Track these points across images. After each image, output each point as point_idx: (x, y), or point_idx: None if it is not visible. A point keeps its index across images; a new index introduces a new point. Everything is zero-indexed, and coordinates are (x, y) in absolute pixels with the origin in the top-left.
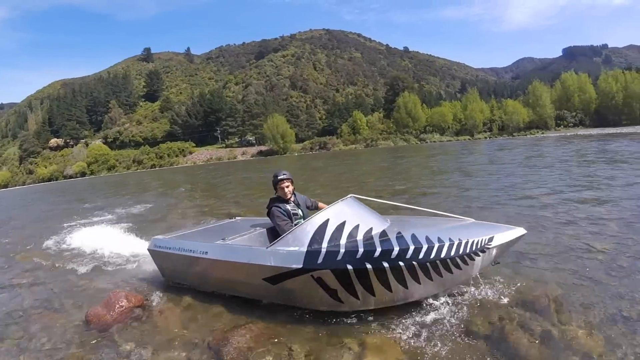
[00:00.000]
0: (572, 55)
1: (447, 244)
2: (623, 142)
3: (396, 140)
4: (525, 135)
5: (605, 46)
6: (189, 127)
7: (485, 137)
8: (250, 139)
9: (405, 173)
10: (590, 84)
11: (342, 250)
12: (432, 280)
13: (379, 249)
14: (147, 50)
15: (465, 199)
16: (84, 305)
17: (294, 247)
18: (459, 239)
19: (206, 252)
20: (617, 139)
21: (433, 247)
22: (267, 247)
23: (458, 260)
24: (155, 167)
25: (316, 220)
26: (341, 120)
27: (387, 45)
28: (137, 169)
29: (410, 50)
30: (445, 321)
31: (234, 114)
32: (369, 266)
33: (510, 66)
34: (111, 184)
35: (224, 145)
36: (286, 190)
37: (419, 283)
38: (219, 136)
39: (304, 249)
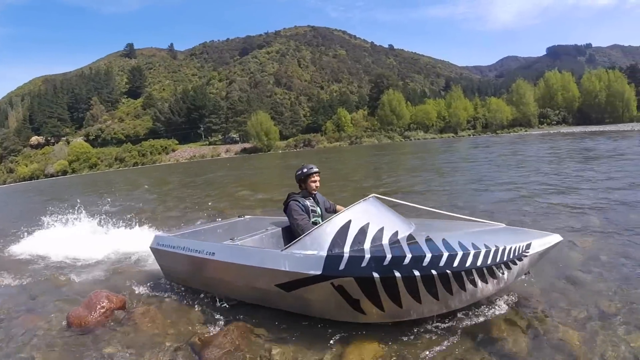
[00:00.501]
0: (556, 54)
1: (483, 251)
2: (600, 139)
3: (380, 138)
4: (509, 132)
5: (589, 46)
6: (171, 124)
7: (469, 135)
8: (234, 136)
9: (389, 170)
10: (573, 83)
11: (368, 256)
12: (465, 291)
13: (409, 255)
14: (130, 45)
15: (448, 195)
16: (64, 307)
17: (312, 250)
18: (495, 246)
19: (213, 253)
20: (595, 137)
21: (468, 254)
22: (281, 250)
23: (495, 269)
24: (137, 165)
25: (337, 221)
26: (325, 118)
27: (372, 42)
28: (119, 167)
29: (395, 48)
30: (428, 319)
31: (218, 111)
32: (397, 274)
33: (495, 65)
34: (88, 184)
35: (207, 142)
36: (314, 185)
37: (451, 294)
38: (202, 133)
39: (324, 253)
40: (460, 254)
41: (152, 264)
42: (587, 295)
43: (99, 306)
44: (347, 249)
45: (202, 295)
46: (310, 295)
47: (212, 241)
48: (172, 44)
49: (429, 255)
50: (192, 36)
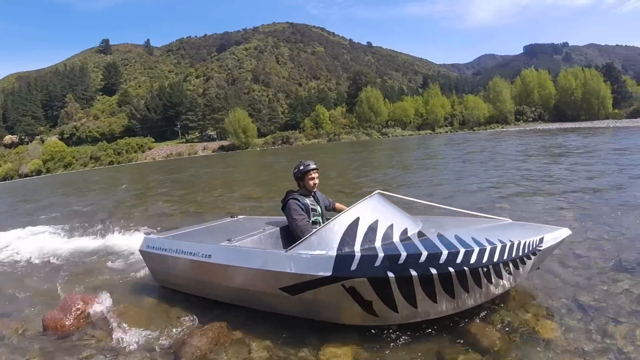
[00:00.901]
0: (533, 52)
1: (499, 246)
2: (571, 136)
3: (358, 135)
4: (486, 129)
5: (565, 44)
6: (147, 121)
7: (446, 132)
8: (212, 133)
9: (365, 167)
10: (550, 81)
11: (381, 255)
12: (481, 288)
13: (424, 253)
14: (106, 41)
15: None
16: (40, 310)
17: (320, 250)
18: (510, 241)
19: (209, 256)
20: (568, 134)
21: (485, 249)
22: (285, 251)
23: (510, 264)
24: (113, 164)
25: (344, 219)
26: (304, 115)
27: (350, 40)
28: (94, 166)
29: (373, 45)
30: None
31: (195, 108)
32: (413, 273)
33: (472, 62)
34: (63, 184)
35: (184, 140)
36: (312, 182)
37: (467, 292)
38: (179, 131)
39: (333, 253)
40: (476, 249)
41: (127, 264)
42: (564, 288)
43: (74, 308)
44: (357, 248)
45: (178, 294)
46: (318, 298)
47: (206, 243)
48: (148, 40)
49: (445, 252)
50: (168, 32)
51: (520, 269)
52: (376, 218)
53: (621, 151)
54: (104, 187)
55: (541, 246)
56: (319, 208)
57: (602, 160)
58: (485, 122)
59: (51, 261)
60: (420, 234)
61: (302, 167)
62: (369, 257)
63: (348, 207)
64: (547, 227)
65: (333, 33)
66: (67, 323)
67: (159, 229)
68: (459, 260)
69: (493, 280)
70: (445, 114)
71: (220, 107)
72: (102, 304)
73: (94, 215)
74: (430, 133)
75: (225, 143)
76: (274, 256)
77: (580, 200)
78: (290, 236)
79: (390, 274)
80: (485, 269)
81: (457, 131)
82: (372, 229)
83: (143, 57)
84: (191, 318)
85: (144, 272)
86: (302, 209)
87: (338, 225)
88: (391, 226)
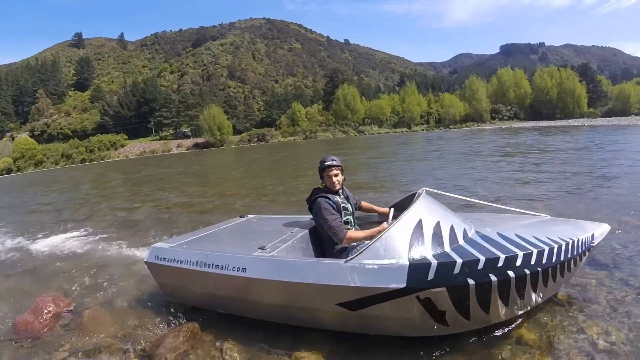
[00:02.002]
0: (509, 52)
1: (563, 244)
2: (534, 134)
3: (335, 132)
4: (461, 127)
5: (542, 44)
6: (120, 118)
7: (422, 130)
8: (186, 130)
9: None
10: (525, 80)
11: (459, 261)
12: (546, 287)
13: (502, 256)
14: (79, 35)
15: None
16: (11, 314)
17: (388, 259)
18: (570, 238)
19: (244, 269)
20: (528, 132)
21: (553, 248)
22: (344, 261)
23: (572, 261)
24: (85, 162)
25: (406, 222)
26: (280, 112)
27: (327, 37)
28: (65, 164)
29: (350, 43)
30: None
31: (169, 105)
32: (493, 279)
33: (449, 61)
34: (33, 182)
35: (157, 137)
36: (334, 179)
37: (535, 292)
38: (153, 128)
39: (405, 261)
40: (546, 249)
41: (97, 264)
42: None
43: (45, 311)
44: (429, 254)
45: (151, 296)
46: (384, 312)
47: (223, 250)
48: (122, 34)
49: (520, 254)
50: (143, 26)
51: (577, 265)
52: (437, 219)
53: (576, 150)
54: (72, 185)
55: (594, 242)
56: (349, 206)
57: (544, 159)
58: (461, 120)
59: (19, 263)
60: (480, 235)
61: (322, 163)
62: (446, 264)
63: (379, 206)
64: (590, 223)
65: (310, 30)
66: (38, 326)
67: (165, 237)
68: (533, 261)
69: (557, 279)
70: (421, 112)
71: (195, 103)
72: (73, 306)
73: (59, 215)
74: (406, 131)
75: (199, 140)
76: (332, 268)
77: (560, 194)
78: (320, 239)
79: (471, 281)
80: (554, 269)
81: (433, 129)
82: (437, 232)
83: (117, 51)
84: (164, 319)
85: (114, 273)
86: (334, 208)
87: (400, 230)
88: (452, 227)
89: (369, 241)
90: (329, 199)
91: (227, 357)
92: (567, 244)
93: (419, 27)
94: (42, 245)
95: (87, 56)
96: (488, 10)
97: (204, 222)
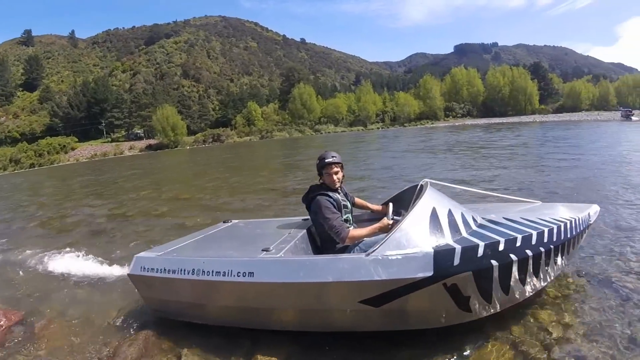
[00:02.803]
0: (463, 51)
1: (568, 223)
2: (475, 131)
3: (291, 132)
4: (416, 125)
5: (495, 44)
6: (70, 120)
7: (378, 128)
8: (138, 132)
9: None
10: (478, 79)
11: (482, 244)
12: (556, 264)
13: (519, 235)
14: (28, 32)
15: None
16: None
17: (411, 248)
18: (571, 217)
19: (251, 274)
20: (478, 129)
21: (560, 226)
22: (365, 255)
23: (577, 238)
24: (34, 167)
25: (422, 210)
26: (235, 112)
27: (284, 35)
28: (14, 170)
29: (307, 42)
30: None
31: (121, 105)
32: (514, 258)
33: (404, 60)
34: None
35: (109, 139)
36: (334, 177)
37: (547, 270)
38: (104, 129)
39: (429, 249)
40: (555, 227)
41: (50, 275)
42: None
43: None
44: (451, 239)
45: (105, 306)
46: (410, 304)
47: (221, 255)
48: (73, 31)
49: (534, 233)
50: (95, 23)
51: (580, 242)
52: (448, 207)
53: (507, 147)
54: (31, 193)
55: (591, 220)
56: (349, 204)
57: (492, 154)
58: (416, 118)
59: None
60: (489, 220)
61: (324, 159)
62: (470, 248)
63: (369, 202)
64: (583, 205)
65: (266, 28)
66: None
67: (152, 245)
68: (545, 239)
69: (565, 256)
70: (377, 111)
71: (147, 103)
72: (25, 318)
73: (16, 224)
74: (362, 129)
75: (153, 142)
76: (353, 263)
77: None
78: (317, 239)
79: (495, 263)
80: (562, 246)
81: (388, 127)
82: (451, 219)
83: (67, 49)
84: (119, 330)
85: (66, 284)
86: (335, 206)
87: (419, 219)
88: (462, 214)
89: (380, 236)
90: (329, 196)
91: None
92: (571, 222)
93: (375, 27)
94: None
95: (36, 54)
96: (443, 11)
97: (162, 226)
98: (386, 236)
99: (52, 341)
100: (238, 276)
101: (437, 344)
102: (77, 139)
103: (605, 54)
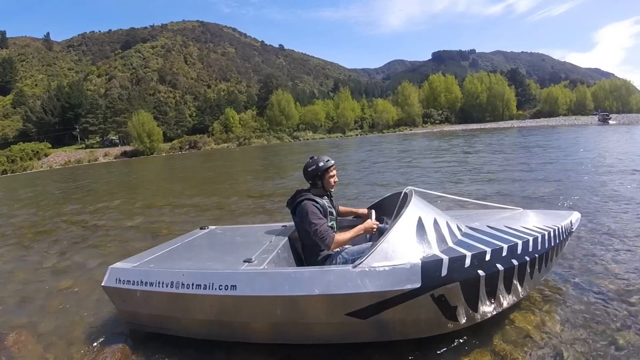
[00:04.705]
0: (441, 58)
1: (551, 231)
2: (455, 137)
3: (269, 139)
4: (394, 131)
5: (472, 51)
6: (44, 125)
7: (356, 135)
8: (114, 138)
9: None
10: (456, 85)
11: (468, 254)
12: (540, 272)
13: (505, 245)
14: (2, 34)
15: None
16: None
17: (398, 260)
18: (554, 225)
19: (233, 287)
20: (444, 137)
21: (544, 235)
22: (352, 267)
23: (560, 246)
24: (7, 173)
25: (408, 221)
26: (213, 118)
27: (262, 42)
28: None
29: (285, 48)
30: None
31: (95, 110)
32: (500, 268)
33: (382, 67)
34: None
35: (83, 145)
36: (334, 180)
37: (532, 278)
38: (78, 135)
39: (416, 260)
40: (539, 236)
41: (21, 284)
42: None
43: None
44: (437, 249)
45: (78, 317)
46: (397, 316)
47: (201, 267)
48: (48, 34)
49: (519, 242)
50: (70, 25)
51: (563, 249)
52: (433, 216)
53: (486, 153)
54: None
55: (573, 228)
56: (334, 211)
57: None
58: (394, 124)
59: None
60: (474, 229)
61: (321, 164)
62: (457, 258)
63: (355, 208)
64: (564, 212)
65: (245, 34)
66: None
67: (109, 253)
68: (530, 248)
69: (548, 264)
70: (355, 117)
71: (123, 109)
72: None
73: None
74: (340, 136)
75: (128, 148)
76: (340, 276)
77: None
78: (299, 247)
79: (482, 273)
80: (547, 254)
81: (366, 134)
82: (437, 229)
83: (41, 52)
84: (92, 343)
85: (38, 294)
86: (321, 212)
87: (405, 229)
88: (447, 223)
89: (367, 245)
90: (316, 202)
91: None
92: (555, 231)
93: (353, 34)
94: None
95: (9, 57)
96: (421, 18)
97: (136, 233)
98: (372, 247)
99: (21, 353)
100: (220, 289)
101: (417, 353)
102: (50, 145)
103: (582, 60)
